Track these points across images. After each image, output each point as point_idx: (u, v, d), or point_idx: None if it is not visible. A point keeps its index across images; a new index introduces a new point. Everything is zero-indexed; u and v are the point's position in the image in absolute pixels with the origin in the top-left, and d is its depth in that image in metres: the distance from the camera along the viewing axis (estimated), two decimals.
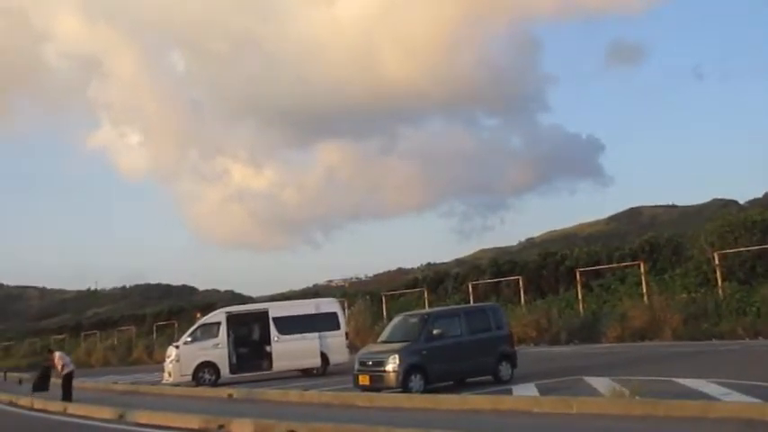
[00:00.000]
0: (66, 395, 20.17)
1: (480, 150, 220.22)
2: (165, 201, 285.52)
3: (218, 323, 23.16)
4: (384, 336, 16.97)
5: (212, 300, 70.43)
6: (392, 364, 15.06)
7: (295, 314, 23.78)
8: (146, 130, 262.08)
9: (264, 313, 23.61)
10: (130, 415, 15.06)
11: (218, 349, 22.75)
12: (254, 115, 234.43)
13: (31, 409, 20.31)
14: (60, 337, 61.18)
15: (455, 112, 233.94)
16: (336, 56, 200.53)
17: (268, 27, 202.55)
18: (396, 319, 17.45)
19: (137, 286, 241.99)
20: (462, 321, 16.33)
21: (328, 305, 24.80)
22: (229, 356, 22.91)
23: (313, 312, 23.87)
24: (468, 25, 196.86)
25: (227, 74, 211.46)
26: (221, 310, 24.62)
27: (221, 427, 12.42)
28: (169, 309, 60.81)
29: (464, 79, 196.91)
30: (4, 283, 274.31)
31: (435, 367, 15.42)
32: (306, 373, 23.53)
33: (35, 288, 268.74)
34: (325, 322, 23.58)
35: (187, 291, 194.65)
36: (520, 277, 34.64)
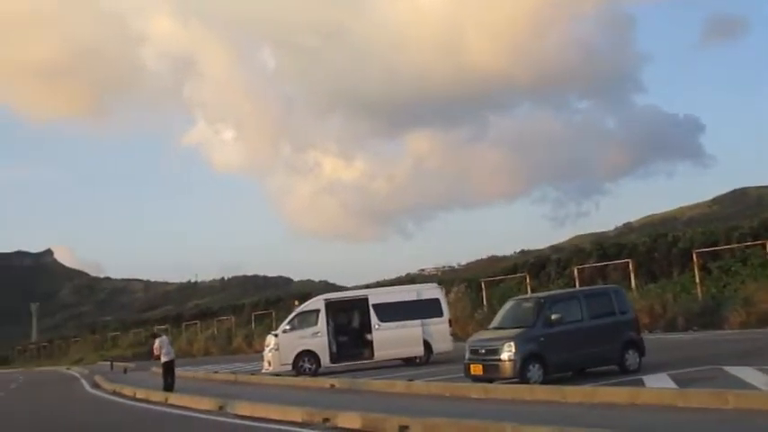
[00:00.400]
0: (167, 384, 19.88)
1: (573, 134, 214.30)
2: (260, 194, 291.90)
3: (317, 311, 22.38)
4: (496, 322, 15.64)
5: (307, 290, 70.63)
6: (508, 353, 13.76)
7: (396, 301, 22.75)
8: (239, 126, 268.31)
9: (364, 300, 22.68)
10: (231, 406, 14.40)
11: (317, 338, 21.98)
12: (343, 107, 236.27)
13: (134, 398, 20.12)
14: (163, 327, 62.42)
15: (545, 95, 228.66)
16: (422, 44, 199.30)
17: (354, 19, 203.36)
18: (508, 304, 16.09)
19: (234, 278, 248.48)
20: (582, 305, 14.83)
21: (430, 291, 23.63)
22: (329, 345, 22.09)
23: (414, 299, 22.78)
24: (555, 5, 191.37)
25: (316, 68, 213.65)
26: (319, 297, 23.85)
27: (326, 420, 11.50)
28: (266, 299, 61.17)
29: (553, 61, 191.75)
30: (111, 276, 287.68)
31: (554, 356, 14.02)
32: (408, 362, 22.50)
33: (140, 281, 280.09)
34: (427, 309, 22.45)
35: (283, 282, 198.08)
36: (629, 260, 32.55)
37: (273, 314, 49.26)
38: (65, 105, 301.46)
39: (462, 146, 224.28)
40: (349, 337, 23.06)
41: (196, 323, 56.05)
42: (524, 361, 13.71)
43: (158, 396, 18.61)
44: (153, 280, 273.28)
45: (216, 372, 26.85)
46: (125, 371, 35.24)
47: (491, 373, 14.02)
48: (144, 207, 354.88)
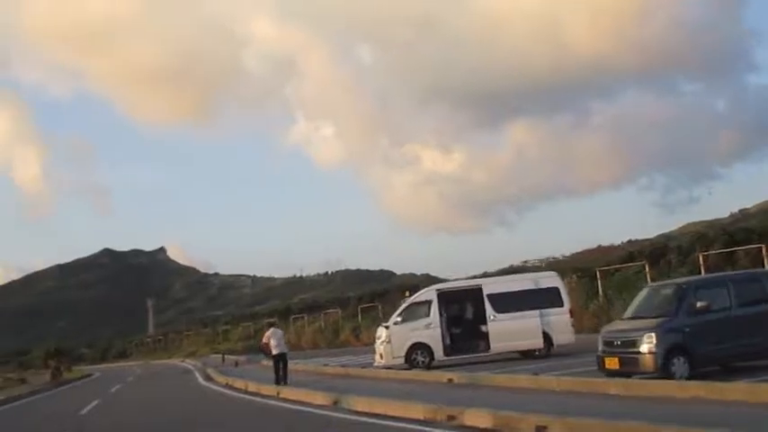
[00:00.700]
0: (279, 377, 19.53)
1: (681, 118, 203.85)
2: (360, 189, 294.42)
3: (429, 302, 21.45)
4: (630, 311, 14.22)
5: (409, 283, 70.08)
6: (648, 345, 12.40)
7: (512, 290, 21.53)
8: (338, 123, 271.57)
9: (478, 290, 21.56)
10: (346, 401, 13.68)
11: (430, 329, 21.06)
12: (440, 99, 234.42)
13: (246, 391, 19.82)
14: (271, 320, 63.27)
15: (650, 79, 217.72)
16: (519, 31, 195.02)
17: (449, 10, 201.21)
18: (644, 292, 14.63)
19: (338, 272, 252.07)
20: (731, 292, 13.25)
21: (549, 280, 22.26)
22: (443, 337, 21.13)
23: (532, 288, 21.50)
24: None
25: (411, 60, 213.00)
26: (431, 287, 22.93)
27: (451, 418, 10.56)
28: (372, 292, 60.90)
29: (658, 43, 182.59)
30: (220, 272, 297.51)
31: (701, 348, 12.54)
32: (526, 355, 21.28)
33: (247, 276, 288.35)
34: (545, 298, 21.15)
35: (385, 275, 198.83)
36: (762, 246, 29.97)
37: (380, 307, 48.84)
38: (173, 108, 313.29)
39: (564, 134, 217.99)
40: (463, 329, 22.01)
41: (303, 316, 56.31)
42: (667, 354, 12.31)
43: (270, 390, 18.19)
44: (260, 275, 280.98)
45: (326, 365, 26.40)
46: (236, 364, 35.51)
47: (629, 367, 12.70)
48: (250, 205, 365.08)
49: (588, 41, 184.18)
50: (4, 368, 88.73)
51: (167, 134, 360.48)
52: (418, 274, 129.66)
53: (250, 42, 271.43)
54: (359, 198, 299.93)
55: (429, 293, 21.87)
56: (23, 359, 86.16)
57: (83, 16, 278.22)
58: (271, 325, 22.35)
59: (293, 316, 59.10)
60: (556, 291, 21.54)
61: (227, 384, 23.33)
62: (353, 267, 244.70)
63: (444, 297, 21.76)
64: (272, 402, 16.24)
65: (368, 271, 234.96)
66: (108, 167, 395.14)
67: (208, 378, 28.60)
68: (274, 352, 20.00)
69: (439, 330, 21.07)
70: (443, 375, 16.92)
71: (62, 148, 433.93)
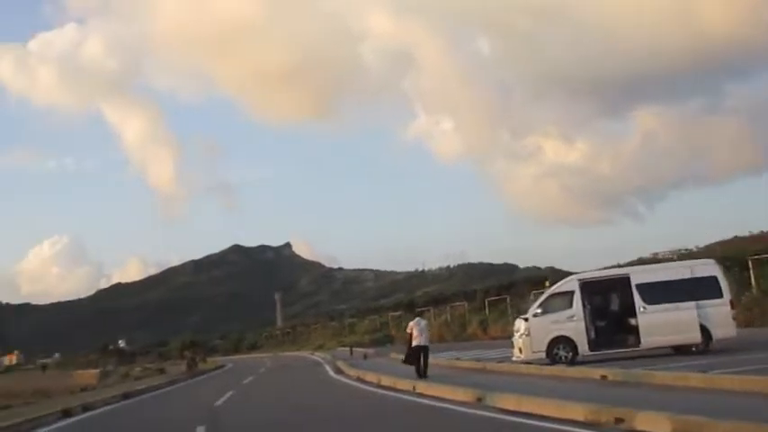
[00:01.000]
0: (420, 371, 18.88)
1: None
2: (481, 182, 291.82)
3: (571, 292, 19.91)
4: None
5: (534, 276, 67.99)
6: None
7: (664, 280, 19.65)
8: (458, 116, 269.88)
9: (625, 279, 19.82)
10: (491, 398, 12.56)
11: (573, 322, 19.54)
12: (561, 89, 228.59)
13: (379, 385, 19.08)
14: (396, 313, 62.98)
15: None
16: (644, 15, 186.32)
17: None
18: None
19: (460, 266, 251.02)
20: None
21: (706, 268, 20.15)
22: (587, 330, 19.56)
23: (687, 277, 19.52)
24: None
25: (531, 50, 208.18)
26: (573, 277, 21.37)
27: (619, 420, 9.24)
28: (499, 284, 59.31)
29: None
30: (344, 267, 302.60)
31: None
32: (680, 350, 19.36)
33: (370, 271, 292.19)
34: (702, 289, 19.12)
35: (507, 269, 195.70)
36: None
37: (507, 300, 47.39)
38: (295, 106, 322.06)
39: (695, 119, 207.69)
40: (608, 322, 20.32)
41: (429, 309, 55.48)
42: None
43: (405, 384, 17.32)
44: (382, 270, 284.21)
45: (457, 359, 25.32)
46: (365, 356, 35.12)
47: None
48: (372, 200, 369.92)
49: (721, 22, 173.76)
50: (144, 358, 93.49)
51: (290, 132, 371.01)
52: (542, 267, 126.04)
53: (367, 38, 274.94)
54: (480, 191, 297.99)
55: (571, 283, 20.33)
56: (162, 350, 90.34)
57: (210, 22, 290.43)
58: (416, 315, 21.59)
59: (418, 309, 58.29)
60: (713, 280, 19.47)
61: (358, 378, 22.76)
62: (475, 261, 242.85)
63: (588, 287, 20.16)
64: (408, 398, 15.32)
65: (490, 264, 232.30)
66: (235, 166, 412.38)
67: (338, 371, 28.23)
68: (415, 343, 19.31)
69: (583, 323, 19.51)
70: (594, 372, 15.44)
71: (192, 149, 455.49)
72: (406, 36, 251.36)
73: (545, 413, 10.66)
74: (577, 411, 10.10)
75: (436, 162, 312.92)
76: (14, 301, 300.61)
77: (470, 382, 16.01)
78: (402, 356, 21.95)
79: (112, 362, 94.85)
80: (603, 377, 14.60)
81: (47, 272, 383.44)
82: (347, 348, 49.32)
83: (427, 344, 19.86)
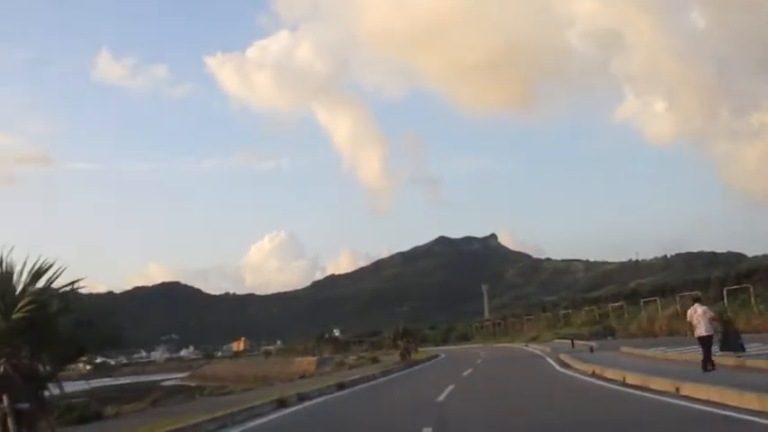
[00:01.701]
0: (706, 363, 16.33)
1: None
2: (698, 165, 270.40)
3: None
4: None
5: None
6: None
7: None
8: (671, 96, 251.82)
9: None
10: None
11: None
12: None
13: (624, 383, 16.20)
14: (617, 304, 58.49)
15: None
16: None
17: None
18: None
19: (678, 255, 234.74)
20: None
21: None
22: None
23: None
24: None
25: (752, 20, 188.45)
26: None
27: None
28: (736, 273, 52.91)
29: None
30: (552, 257, 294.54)
31: None
32: None
33: (580, 261, 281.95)
34: None
35: (733, 258, 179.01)
36: None
37: (750, 289, 41.85)
38: (499, 96, 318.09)
39: None
40: None
41: (655, 300, 50.58)
42: None
43: (661, 383, 14.31)
44: (593, 260, 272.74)
45: (739, 356, 21.15)
46: (591, 350, 31.93)
47: None
48: (579, 188, 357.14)
49: None
50: (357, 347, 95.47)
51: (493, 122, 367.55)
52: None
53: (574, 22, 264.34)
54: (698, 174, 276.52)
55: None
56: (374, 339, 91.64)
57: (412, 18, 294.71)
58: (695, 300, 18.52)
59: (643, 299, 53.50)
60: None
61: (593, 373, 19.95)
62: (695, 250, 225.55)
63: None
64: (681, 403, 12.20)
65: (713, 253, 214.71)
66: (439, 159, 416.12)
67: (564, 364, 25.50)
68: (697, 333, 16.84)
69: None
70: None
71: (398, 143, 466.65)
72: (613, 15, 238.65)
73: None
74: None
75: (647, 146, 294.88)
76: (240, 291, 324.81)
77: (753, 384, 12.61)
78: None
79: (328, 350, 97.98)
80: None
81: (267, 265, 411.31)
82: (566, 341, 46.10)
83: (711, 333, 17.06)
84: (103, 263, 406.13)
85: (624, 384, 16.14)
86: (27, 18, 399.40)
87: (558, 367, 25.24)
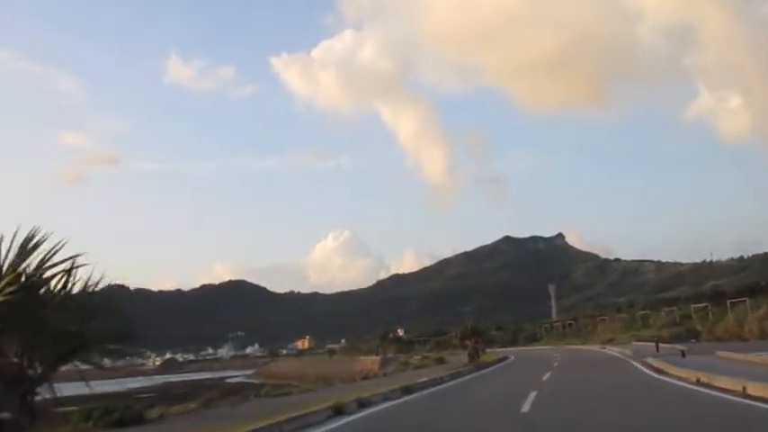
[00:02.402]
0: None
1: None
2: None
3: None
4: None
5: None
6: None
7: None
8: (745, 91, 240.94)
9: None
10: None
11: None
12: None
13: (744, 394, 13.54)
14: (700, 305, 54.66)
15: None
16: None
17: None
18: None
19: (755, 256, 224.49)
20: None
21: None
22: None
23: None
24: None
25: None
26: None
27: None
28: None
29: None
30: (621, 258, 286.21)
31: None
32: None
33: (651, 262, 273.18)
34: None
35: None
36: None
37: None
38: (566, 93, 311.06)
39: None
40: None
41: (744, 300, 46.69)
42: None
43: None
44: (664, 261, 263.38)
45: None
46: (683, 354, 28.88)
47: None
48: (649, 186, 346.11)
49: None
50: (422, 347, 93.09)
51: (560, 119, 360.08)
52: None
53: (644, 16, 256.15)
54: None
55: None
56: (439, 339, 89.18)
57: (476, 16, 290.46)
58: None
59: (730, 300, 49.61)
60: None
61: (698, 381, 17.22)
62: None
63: None
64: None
65: None
66: (504, 157, 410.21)
67: (657, 370, 22.67)
68: None
69: None
70: None
71: (461, 141, 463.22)
72: (685, 8, 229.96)
73: None
74: None
75: (722, 142, 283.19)
76: (304, 290, 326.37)
77: None
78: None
79: (392, 349, 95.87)
80: None
81: (331, 263, 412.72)
82: (646, 343, 42.87)
83: None
84: (173, 262, 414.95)
85: (746, 396, 13.47)
86: (103, 21, 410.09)
87: (650, 373, 22.47)
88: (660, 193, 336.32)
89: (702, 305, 53.34)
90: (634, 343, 48.22)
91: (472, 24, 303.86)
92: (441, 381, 25.04)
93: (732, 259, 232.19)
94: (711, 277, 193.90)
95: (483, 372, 31.82)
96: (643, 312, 64.10)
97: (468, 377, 28.05)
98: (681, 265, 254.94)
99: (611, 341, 55.49)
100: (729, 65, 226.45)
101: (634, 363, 28.09)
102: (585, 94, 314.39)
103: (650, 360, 26.29)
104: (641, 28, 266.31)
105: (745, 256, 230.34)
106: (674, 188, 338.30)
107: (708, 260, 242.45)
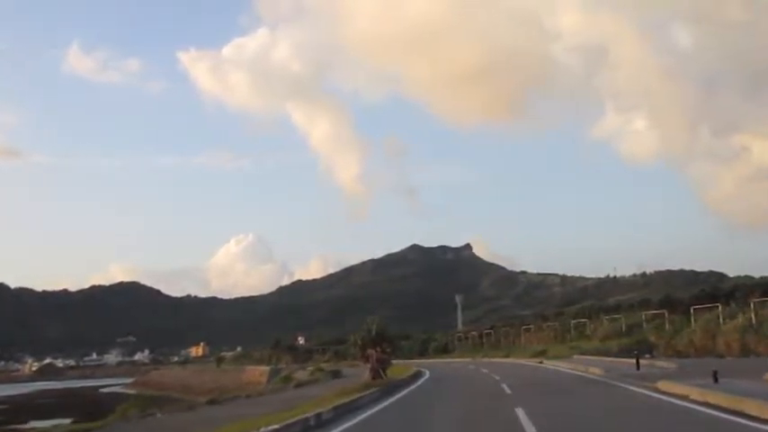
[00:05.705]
0: None
1: None
2: (678, 185, 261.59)
3: None
4: None
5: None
6: None
7: None
8: (652, 114, 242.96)
9: None
10: None
11: None
12: None
13: None
14: (653, 312, 45.92)
15: None
16: None
17: None
18: None
19: (657, 273, 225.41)
20: None
21: None
22: None
23: None
24: None
25: (742, 41, 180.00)
26: None
27: None
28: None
29: None
30: (528, 270, 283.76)
31: None
32: None
33: (556, 275, 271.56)
34: None
35: (714, 277, 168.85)
36: None
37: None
38: (483, 107, 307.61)
39: None
40: None
41: (717, 307, 37.63)
42: None
43: None
44: (569, 275, 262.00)
45: None
46: (715, 378, 18.93)
47: None
48: (556, 202, 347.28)
49: None
50: (321, 356, 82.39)
51: (475, 132, 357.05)
52: (756, 276, 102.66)
53: (560, 35, 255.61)
54: (678, 194, 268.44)
55: None
56: (339, 348, 78.67)
57: (396, 25, 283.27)
58: None
59: (694, 307, 40.70)
60: None
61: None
62: (676, 268, 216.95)
63: None
64: None
65: (693, 272, 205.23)
66: (419, 167, 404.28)
67: (666, 393, 12.55)
68: None
69: None
70: None
71: (377, 150, 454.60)
72: (599, 31, 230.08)
73: None
74: None
75: (626, 162, 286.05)
76: (203, 294, 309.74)
77: None
78: None
79: (286, 359, 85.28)
80: None
81: (233, 268, 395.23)
82: (599, 358, 33.51)
83: None
84: (64, 260, 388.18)
85: None
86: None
87: (670, 399, 12.28)
88: (567, 208, 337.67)
89: (657, 312, 44.50)
90: (577, 356, 38.79)
91: (395, 33, 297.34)
92: (325, 424, 13.90)
93: (635, 275, 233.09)
94: (615, 292, 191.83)
95: (393, 399, 20.43)
96: (578, 321, 54.82)
97: (366, 414, 16.53)
98: (585, 279, 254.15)
99: (543, 354, 45.90)
100: (637, 88, 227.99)
101: (632, 387, 17.86)
102: (504, 108, 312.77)
103: (663, 385, 16.22)
104: (557, 46, 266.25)
105: (647, 272, 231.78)
106: (580, 204, 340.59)
107: (612, 275, 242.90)
